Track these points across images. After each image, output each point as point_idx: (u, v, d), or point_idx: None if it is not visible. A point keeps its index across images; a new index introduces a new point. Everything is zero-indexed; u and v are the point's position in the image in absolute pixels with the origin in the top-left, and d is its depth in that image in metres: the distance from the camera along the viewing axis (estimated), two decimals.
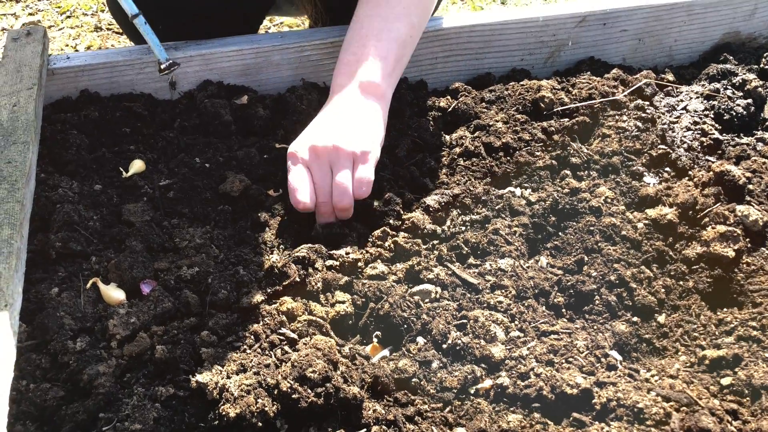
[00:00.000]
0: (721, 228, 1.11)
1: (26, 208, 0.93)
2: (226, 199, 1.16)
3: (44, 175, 1.11)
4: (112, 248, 1.03)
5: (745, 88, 1.46)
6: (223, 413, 0.78)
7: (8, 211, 0.89)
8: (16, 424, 0.80)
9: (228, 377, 0.82)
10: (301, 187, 1.08)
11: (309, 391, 0.79)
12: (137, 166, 1.17)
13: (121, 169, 1.17)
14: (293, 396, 0.78)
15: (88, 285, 0.93)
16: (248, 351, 0.87)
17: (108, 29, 2.66)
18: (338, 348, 0.88)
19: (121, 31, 2.64)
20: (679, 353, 0.99)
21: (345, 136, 1.10)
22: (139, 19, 1.20)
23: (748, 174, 1.23)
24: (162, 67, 1.24)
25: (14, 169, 0.96)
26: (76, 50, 2.56)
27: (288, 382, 0.79)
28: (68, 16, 2.70)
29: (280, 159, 1.26)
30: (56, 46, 2.57)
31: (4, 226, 0.87)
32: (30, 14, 2.69)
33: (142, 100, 1.31)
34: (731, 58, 1.56)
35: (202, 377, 0.81)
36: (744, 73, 1.50)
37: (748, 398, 0.89)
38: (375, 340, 0.96)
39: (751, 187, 1.20)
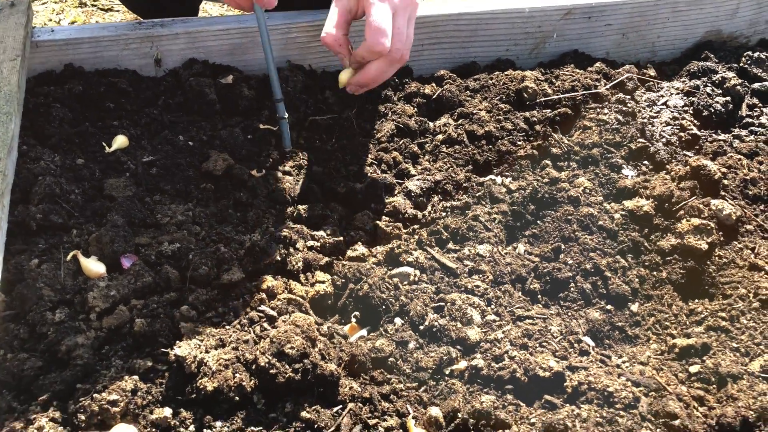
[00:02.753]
0: (696, 221, 1.13)
1: (8, 178, 0.93)
2: (208, 178, 1.16)
3: (26, 147, 1.10)
4: (94, 222, 1.03)
5: (725, 86, 1.48)
6: (201, 387, 0.79)
7: None
8: None
9: (206, 351, 0.83)
10: (387, 29, 1.07)
11: (287, 366, 0.80)
12: (120, 141, 1.17)
13: (104, 144, 1.16)
14: (271, 371, 0.79)
15: (69, 257, 0.93)
16: (227, 327, 0.88)
17: (92, 5, 2.63)
18: (317, 326, 0.89)
19: (105, 8, 2.61)
20: (651, 341, 1.01)
21: None
22: (280, 107, 1.22)
23: (724, 169, 1.25)
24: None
25: None
26: (59, 25, 2.53)
27: (266, 357, 0.80)
28: None
29: (264, 139, 1.26)
30: (39, 21, 2.54)
31: None
32: None
33: (126, 75, 1.30)
34: (712, 56, 1.58)
35: (181, 350, 0.81)
36: (724, 72, 1.52)
37: (714, 385, 0.91)
38: (353, 320, 0.97)
39: (726, 182, 1.23)
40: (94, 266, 0.93)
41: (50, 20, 2.55)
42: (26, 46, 1.21)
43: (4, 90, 1.06)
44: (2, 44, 1.18)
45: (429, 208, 1.18)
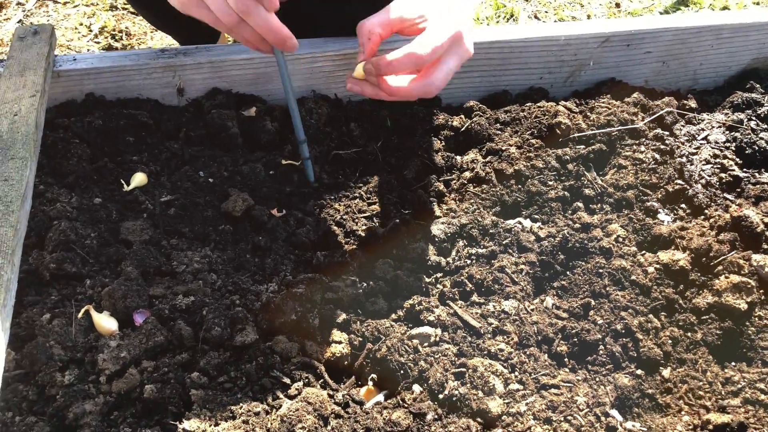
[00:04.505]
0: (735, 278, 1.07)
1: (20, 232, 0.90)
2: (227, 219, 1.14)
3: (43, 186, 1.09)
4: (108, 269, 1.01)
5: None
6: None
7: (1, 237, 0.86)
8: None
9: (216, 425, 0.80)
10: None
11: None
12: (139, 179, 1.15)
13: (123, 182, 1.14)
14: None
15: (81, 314, 0.91)
16: (239, 395, 0.85)
17: (123, 9, 2.62)
18: (330, 395, 0.86)
19: (136, 11, 2.60)
20: (682, 412, 0.96)
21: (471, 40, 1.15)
22: (303, 147, 1.19)
23: (767, 219, 1.19)
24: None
25: (10, 189, 0.94)
26: (90, 29, 2.53)
27: None
28: None
29: (285, 176, 1.23)
30: (71, 24, 2.53)
31: None
32: None
33: (148, 106, 1.27)
34: (758, 86, 1.50)
35: (189, 425, 0.79)
36: None
37: None
38: (370, 383, 0.93)
39: None
40: (106, 323, 0.91)
41: (81, 24, 2.54)
42: (47, 79, 1.19)
43: (22, 131, 1.04)
44: (23, 78, 1.15)
45: (453, 254, 1.14)
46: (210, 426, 0.79)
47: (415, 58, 1.06)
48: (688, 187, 1.27)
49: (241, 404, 0.83)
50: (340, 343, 0.94)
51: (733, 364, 1.02)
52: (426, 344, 0.96)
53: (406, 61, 1.06)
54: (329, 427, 0.80)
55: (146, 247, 1.03)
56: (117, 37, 2.51)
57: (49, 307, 0.93)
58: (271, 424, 0.79)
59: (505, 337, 0.99)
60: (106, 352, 0.87)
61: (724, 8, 2.79)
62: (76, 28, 2.52)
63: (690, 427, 0.93)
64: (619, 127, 1.34)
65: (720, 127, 1.41)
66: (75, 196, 1.09)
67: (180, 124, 1.27)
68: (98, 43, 2.47)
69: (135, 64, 1.27)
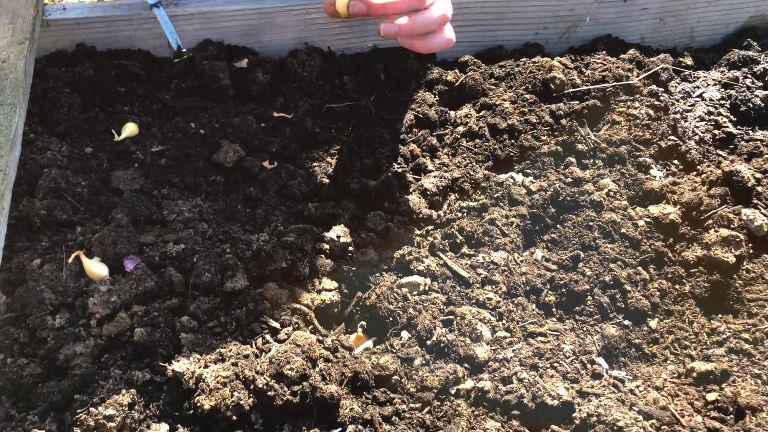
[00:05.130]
0: (724, 231, 1.08)
1: (9, 177, 0.90)
2: (218, 170, 1.13)
3: (33, 135, 1.08)
4: (99, 217, 1.01)
5: (766, 78, 1.40)
6: (198, 404, 0.78)
7: None
8: None
9: (205, 366, 0.81)
10: None
11: (285, 388, 0.78)
12: (130, 129, 1.14)
13: (114, 132, 1.14)
14: (269, 393, 0.77)
15: (71, 259, 0.91)
16: (228, 339, 0.86)
17: None
18: (320, 340, 0.87)
19: None
20: (668, 362, 0.97)
21: None
22: (159, 10, 1.14)
23: (759, 174, 1.19)
24: (178, 52, 1.18)
25: None
26: None
27: (264, 378, 0.78)
28: None
29: (276, 128, 1.22)
30: None
31: None
32: None
33: (139, 57, 1.26)
34: (755, 44, 1.49)
35: (179, 366, 0.80)
36: (766, 62, 1.44)
37: (731, 416, 0.88)
38: (360, 330, 0.94)
39: (760, 189, 1.16)
40: (96, 268, 0.92)
41: None
42: (36, 27, 1.17)
43: (10, 78, 1.03)
44: (12, 25, 1.14)
45: (445, 207, 1.14)
46: (199, 368, 0.80)
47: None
48: (682, 144, 1.27)
49: (230, 347, 0.84)
50: (330, 290, 0.95)
51: (719, 315, 1.03)
52: (415, 292, 0.97)
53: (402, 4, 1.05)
54: (317, 369, 0.81)
55: (137, 196, 1.03)
56: None
57: (39, 253, 0.94)
58: (260, 366, 0.80)
59: (493, 286, 0.99)
60: (97, 297, 0.88)
61: None
62: None
63: (675, 375, 0.94)
64: (614, 83, 1.33)
65: (715, 84, 1.40)
66: (66, 145, 1.09)
67: (171, 75, 1.26)
68: None
69: (126, 15, 1.25)
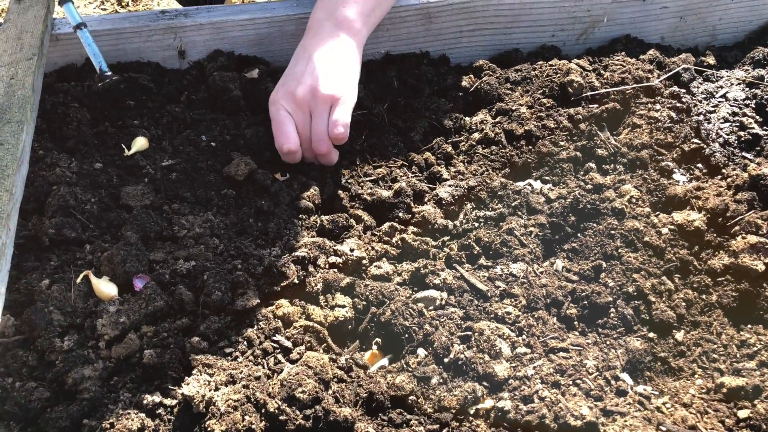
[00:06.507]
0: (752, 238, 1.04)
1: (15, 196, 0.89)
2: (230, 183, 1.12)
3: (42, 152, 1.07)
4: (109, 234, 1.00)
5: None
6: (209, 428, 0.75)
7: None
8: (0, 424, 0.79)
9: (216, 389, 0.79)
10: (285, 131, 1.11)
11: (297, 412, 0.75)
12: (140, 143, 1.13)
13: (124, 146, 1.12)
14: (281, 417, 0.75)
15: (80, 279, 0.90)
16: (239, 359, 0.84)
17: None
18: (333, 359, 0.84)
19: None
20: (696, 376, 0.93)
21: (322, 79, 1.11)
22: (83, 32, 1.14)
23: None
24: (101, 75, 1.16)
25: (5, 153, 0.92)
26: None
27: (276, 401, 0.76)
28: None
29: None
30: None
31: None
32: None
33: (148, 69, 1.25)
34: None
35: (188, 389, 0.77)
36: None
37: None
38: (374, 347, 0.92)
39: None
40: (105, 288, 0.90)
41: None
42: (44, 42, 1.16)
43: (18, 94, 1.02)
44: (19, 41, 1.13)
45: (461, 217, 1.11)
46: (210, 391, 0.78)
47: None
48: (705, 146, 1.23)
49: (241, 369, 0.82)
50: (343, 307, 0.92)
51: (749, 326, 0.99)
52: (431, 308, 0.94)
53: (307, 154, 1.16)
54: (330, 391, 0.78)
55: (147, 212, 1.01)
56: (123, 4, 2.48)
57: (48, 273, 0.92)
58: (272, 388, 0.78)
59: (512, 300, 0.96)
60: (105, 318, 0.86)
61: None
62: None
63: (703, 390, 0.90)
64: (634, 85, 1.29)
65: (739, 84, 1.35)
66: (75, 161, 1.07)
67: (182, 87, 1.25)
68: (105, 10, 2.44)
69: (135, 27, 1.24)
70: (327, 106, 1.11)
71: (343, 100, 1.11)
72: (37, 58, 1.10)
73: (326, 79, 1.11)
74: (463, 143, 1.24)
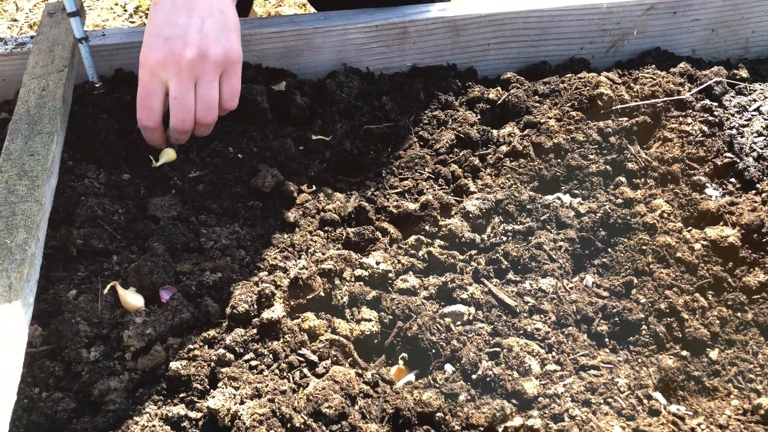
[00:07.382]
0: None
1: (45, 207, 0.89)
2: (257, 195, 1.11)
3: (72, 162, 1.08)
4: (136, 245, 1.00)
5: None
6: None
7: (26, 211, 0.85)
8: None
9: (241, 403, 0.78)
10: (151, 106, 1.01)
11: (324, 428, 0.74)
12: (168, 155, 1.13)
13: (152, 158, 1.12)
14: None
15: (107, 290, 0.90)
16: (265, 372, 0.83)
17: None
18: (359, 374, 0.83)
19: None
20: (731, 396, 0.91)
21: (213, 39, 0.96)
22: (84, 45, 1.14)
23: None
24: (92, 87, 1.18)
25: (36, 163, 0.93)
26: (125, 9, 2.53)
27: (302, 416, 0.75)
28: None
29: (315, 151, 1.20)
30: (106, 4, 2.54)
31: (20, 229, 0.84)
32: None
33: None
34: None
35: (214, 402, 0.77)
36: None
37: None
38: (401, 362, 0.90)
39: None
40: (132, 299, 0.90)
41: (116, 4, 2.54)
42: (75, 54, 1.17)
43: (49, 106, 1.03)
44: (51, 53, 1.14)
45: (488, 231, 1.09)
46: (235, 404, 0.77)
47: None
48: (738, 161, 1.20)
49: (267, 382, 0.81)
50: (369, 321, 0.91)
51: None
52: (459, 323, 0.93)
53: (185, 126, 1.05)
54: (357, 407, 0.77)
55: (174, 223, 1.01)
56: None
57: (75, 283, 0.92)
58: (298, 402, 0.77)
59: (542, 316, 0.94)
60: (132, 329, 0.86)
61: None
62: (111, 8, 2.52)
63: (740, 411, 0.88)
64: (665, 98, 1.27)
65: None
66: (103, 172, 1.08)
67: None
68: (133, 23, 2.47)
69: None
70: (219, 71, 0.99)
71: (236, 63, 1.00)
72: (68, 70, 1.11)
73: (218, 39, 0.97)
74: (490, 156, 1.23)
